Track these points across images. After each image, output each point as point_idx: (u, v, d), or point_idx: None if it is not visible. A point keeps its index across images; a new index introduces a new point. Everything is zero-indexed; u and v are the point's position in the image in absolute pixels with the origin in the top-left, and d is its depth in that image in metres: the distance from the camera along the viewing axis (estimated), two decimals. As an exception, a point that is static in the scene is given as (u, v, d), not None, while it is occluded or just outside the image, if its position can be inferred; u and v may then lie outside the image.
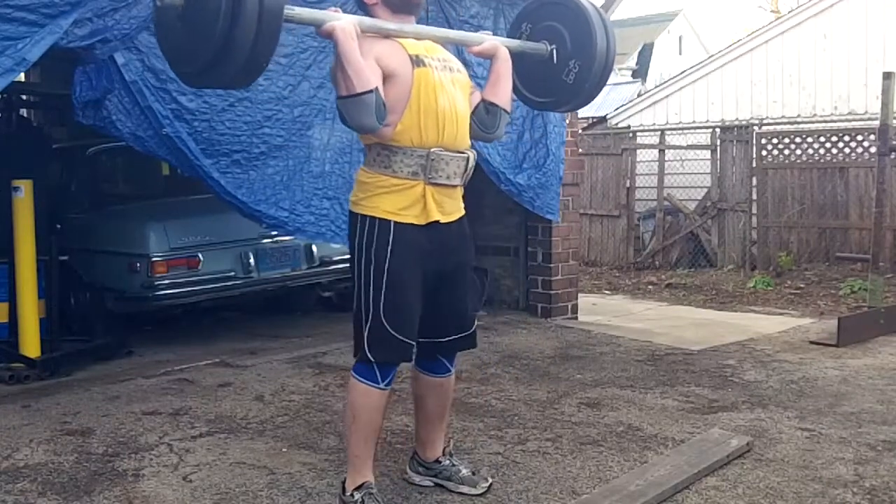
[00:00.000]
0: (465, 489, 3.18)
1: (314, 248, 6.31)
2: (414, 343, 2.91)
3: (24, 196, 5.06)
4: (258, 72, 2.71)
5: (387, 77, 2.79)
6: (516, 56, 3.32)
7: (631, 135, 11.94)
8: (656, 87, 13.80)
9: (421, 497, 3.15)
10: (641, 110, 12.78)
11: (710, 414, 4.19)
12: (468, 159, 2.97)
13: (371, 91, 2.70)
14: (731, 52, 11.98)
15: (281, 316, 7.07)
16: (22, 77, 6.42)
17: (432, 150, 2.86)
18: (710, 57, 12.85)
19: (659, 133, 11.54)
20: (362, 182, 2.94)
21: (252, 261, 6.08)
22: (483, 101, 3.12)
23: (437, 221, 2.90)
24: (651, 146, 11.47)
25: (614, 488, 3.16)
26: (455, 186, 2.97)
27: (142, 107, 4.37)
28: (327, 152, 5.11)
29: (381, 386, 2.89)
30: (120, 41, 4.19)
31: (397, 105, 2.82)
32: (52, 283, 5.44)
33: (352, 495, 2.93)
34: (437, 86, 2.88)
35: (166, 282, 5.74)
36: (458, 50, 5.73)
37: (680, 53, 28.57)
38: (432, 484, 3.24)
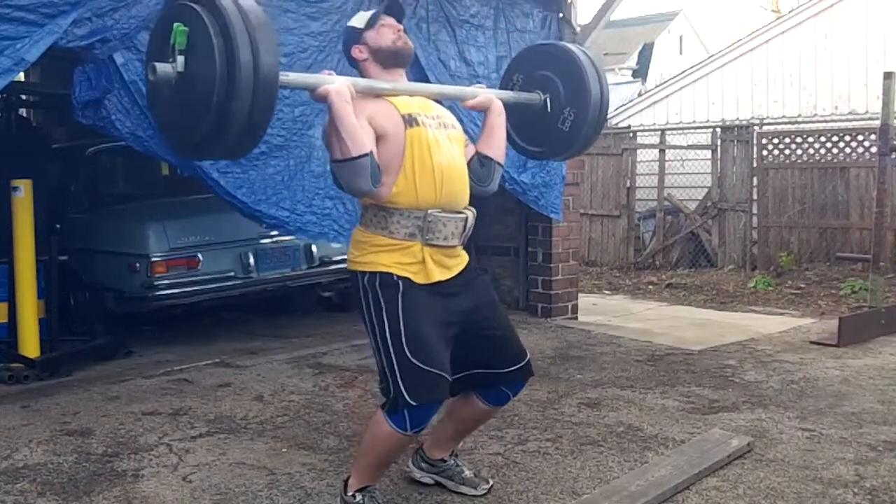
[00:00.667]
0: (465, 489, 3.17)
1: (314, 248, 6.30)
2: (448, 376, 2.79)
3: (23, 196, 5.06)
4: (255, 141, 2.69)
5: (379, 137, 2.75)
6: (510, 107, 3.30)
7: (631, 135, 11.94)
8: (656, 86, 13.80)
9: (421, 497, 3.15)
10: (642, 110, 12.78)
11: (711, 414, 4.19)
12: (467, 219, 2.90)
13: (366, 155, 2.66)
14: (731, 52, 11.99)
15: (281, 316, 7.07)
16: (22, 77, 6.43)
17: (429, 211, 2.80)
18: (710, 57, 12.85)
19: (659, 133, 11.54)
20: (358, 241, 2.89)
21: (252, 261, 6.08)
22: (477, 154, 3.07)
23: (438, 282, 2.84)
24: (651, 146, 11.46)
25: (615, 489, 3.16)
26: (454, 247, 2.90)
27: (141, 106, 4.36)
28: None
29: (409, 433, 2.79)
30: (119, 41, 4.19)
31: (391, 166, 2.77)
32: (51, 283, 5.44)
33: (353, 496, 2.91)
34: (433, 144, 2.82)
35: (166, 282, 5.74)
36: (459, 49, 5.78)
37: (680, 53, 28.56)
38: (432, 481, 3.24)
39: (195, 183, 5.10)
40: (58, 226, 5.99)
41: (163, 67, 2.59)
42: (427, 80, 5.39)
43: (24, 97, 7.59)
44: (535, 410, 4.26)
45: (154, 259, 5.69)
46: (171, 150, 3.16)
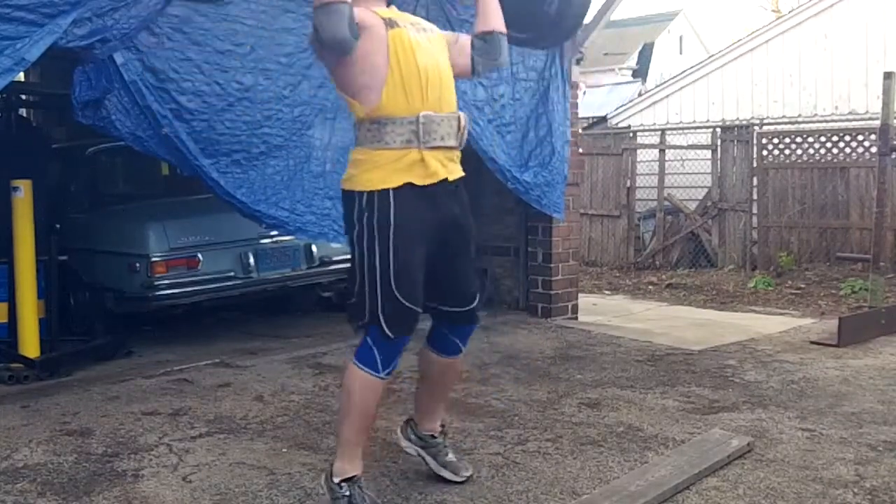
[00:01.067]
0: (445, 473, 3.20)
1: (314, 248, 6.30)
2: (420, 311, 2.85)
3: (23, 196, 5.06)
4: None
5: (360, 28, 2.77)
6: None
7: (631, 135, 11.94)
8: (656, 86, 13.80)
9: (421, 497, 3.15)
10: (642, 110, 12.78)
11: (711, 414, 4.19)
12: (459, 118, 2.93)
13: (345, 2, 2.69)
14: (731, 52, 11.99)
15: (281, 316, 7.07)
16: (22, 77, 6.43)
17: (421, 114, 2.83)
18: (710, 57, 12.85)
19: (659, 133, 11.54)
20: (356, 160, 2.91)
21: (252, 261, 6.08)
22: (479, 34, 3.10)
23: (444, 180, 2.87)
24: (651, 146, 11.47)
25: (615, 489, 3.16)
26: (452, 148, 2.93)
27: (141, 106, 4.37)
28: (328, 151, 5.10)
29: (382, 375, 2.86)
30: (119, 41, 4.19)
31: (377, 68, 2.80)
32: (51, 283, 5.44)
33: (340, 485, 2.90)
34: (415, 45, 2.86)
35: (166, 282, 5.74)
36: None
37: (680, 53, 28.56)
38: (415, 454, 3.26)
39: (195, 183, 5.10)
40: (58, 226, 5.99)
41: None
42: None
43: (24, 97, 7.59)
44: (535, 410, 4.26)
45: (154, 259, 5.69)
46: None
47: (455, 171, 2.96)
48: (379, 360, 2.83)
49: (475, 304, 3.11)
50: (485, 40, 3.09)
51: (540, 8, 3.46)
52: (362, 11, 2.84)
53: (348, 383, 2.91)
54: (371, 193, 2.83)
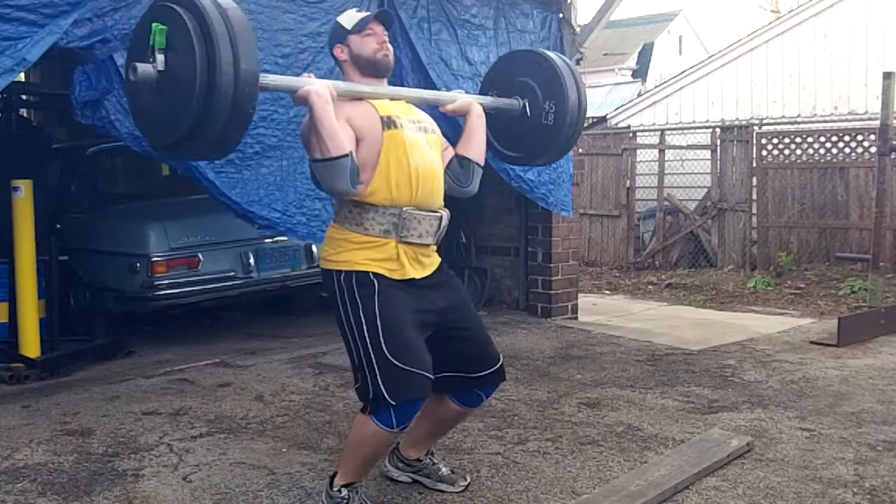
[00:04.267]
0: (443, 487, 3.20)
1: (314, 248, 6.30)
2: (430, 375, 2.78)
3: (24, 196, 5.06)
4: (232, 144, 2.69)
5: (358, 138, 2.79)
6: (492, 117, 3.33)
7: (631, 135, 11.94)
8: (656, 87, 13.80)
9: (420, 497, 3.15)
10: (641, 110, 12.78)
11: (711, 414, 4.19)
12: (441, 219, 2.94)
13: (346, 156, 2.69)
14: (731, 52, 11.99)
15: (281, 316, 7.07)
16: (22, 77, 6.42)
17: (405, 209, 2.83)
18: (710, 57, 12.85)
19: (659, 133, 11.54)
20: (333, 238, 2.91)
21: (252, 261, 6.08)
22: (457, 156, 3.10)
23: (413, 279, 2.86)
24: (651, 146, 11.47)
25: (614, 488, 3.16)
26: (428, 245, 2.93)
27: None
28: (321, 153, 5.10)
29: (395, 431, 2.81)
30: (119, 41, 4.19)
31: (367, 164, 2.80)
32: (52, 283, 5.44)
33: (339, 490, 2.91)
34: (410, 146, 2.85)
35: (166, 282, 5.74)
36: (461, 49, 5.78)
37: (680, 53, 28.59)
38: (410, 480, 3.26)
39: (195, 183, 5.10)
40: (58, 226, 6.00)
41: (144, 67, 2.58)
42: (429, 79, 5.41)
43: (24, 97, 7.59)
44: (535, 410, 4.26)
45: (154, 259, 5.69)
46: (151, 149, 3.19)
47: (428, 268, 2.94)
48: (394, 419, 2.77)
49: (501, 362, 3.09)
50: (462, 165, 3.09)
51: (538, 123, 3.46)
52: (361, 113, 2.83)
53: (360, 430, 2.84)
54: (350, 273, 2.83)
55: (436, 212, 2.93)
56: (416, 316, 2.83)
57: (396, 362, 2.72)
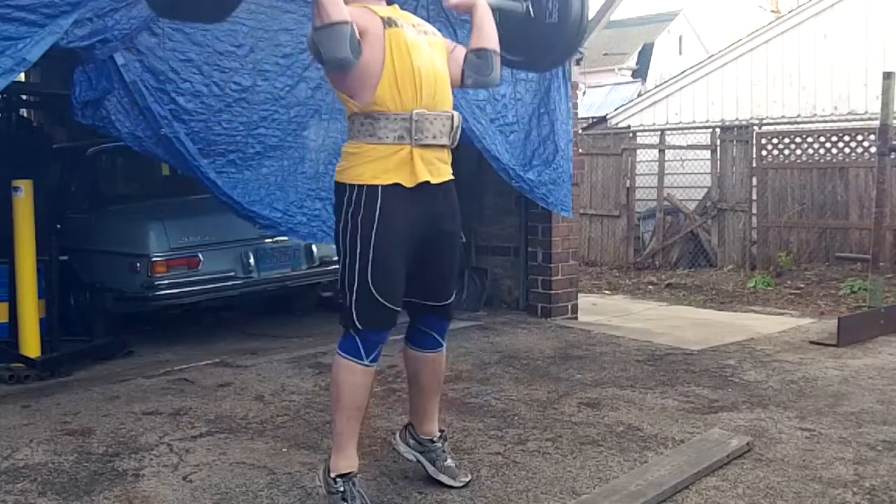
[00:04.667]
0: (443, 478, 3.21)
1: (314, 248, 6.31)
2: (398, 310, 2.92)
3: (24, 196, 5.06)
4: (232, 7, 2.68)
5: (360, 34, 2.80)
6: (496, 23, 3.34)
7: (631, 135, 11.95)
8: (656, 87, 13.80)
9: (421, 497, 3.15)
10: (641, 110, 12.79)
11: (710, 414, 4.19)
12: (452, 117, 2.97)
13: (346, 22, 2.71)
14: (731, 52, 12.00)
15: (281, 316, 7.07)
16: (22, 77, 6.43)
17: (415, 111, 2.87)
18: (710, 57, 12.86)
19: (659, 133, 11.55)
20: (348, 153, 2.95)
21: (252, 261, 6.08)
22: (472, 50, 3.15)
23: (426, 182, 2.91)
24: (651, 146, 11.47)
25: (614, 488, 3.16)
26: (443, 146, 2.98)
27: (140, 107, 4.37)
28: (322, 153, 5.11)
29: (366, 362, 2.91)
30: (120, 41, 4.20)
31: (372, 69, 2.83)
32: (52, 283, 5.44)
33: (335, 480, 2.94)
34: (412, 46, 2.89)
35: (166, 282, 5.74)
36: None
37: (680, 53, 28.60)
38: (413, 459, 3.27)
39: (195, 183, 5.10)
40: (58, 226, 6.00)
41: None
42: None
43: (24, 97, 7.60)
44: (535, 410, 4.26)
45: (154, 259, 5.69)
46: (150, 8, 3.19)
47: (442, 174, 3.00)
48: (361, 348, 2.89)
49: (451, 299, 3.18)
50: (479, 56, 3.14)
51: (542, 23, 3.48)
52: (361, 12, 2.86)
53: (335, 375, 2.96)
54: (360, 187, 2.87)
55: (446, 111, 2.96)
56: (407, 228, 2.89)
57: (375, 293, 2.84)
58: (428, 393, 3.27)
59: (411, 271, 2.99)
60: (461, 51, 3.16)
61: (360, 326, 2.87)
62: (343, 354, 2.93)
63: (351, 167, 2.92)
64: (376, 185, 2.86)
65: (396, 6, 3.06)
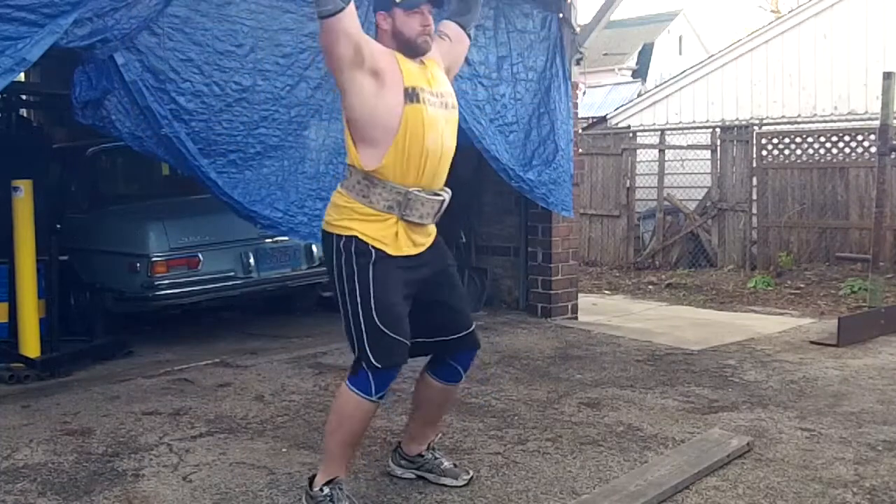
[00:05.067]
0: (446, 481, 3.22)
1: (314, 248, 6.30)
2: (408, 343, 2.92)
3: (24, 196, 5.06)
4: None
5: (373, 72, 2.82)
6: None
7: (631, 135, 11.94)
8: (656, 87, 13.80)
9: (421, 497, 3.15)
10: (641, 110, 12.78)
11: (711, 414, 4.19)
12: (443, 202, 3.00)
13: None
14: (731, 52, 11.99)
15: (281, 316, 7.07)
16: (22, 77, 6.43)
17: (411, 189, 2.90)
18: (710, 57, 12.85)
19: (659, 133, 11.54)
20: (338, 205, 2.97)
21: (252, 261, 6.08)
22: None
23: (406, 255, 2.94)
24: (651, 146, 11.47)
25: (614, 488, 3.16)
26: (426, 225, 3.00)
27: (141, 107, 4.37)
28: (322, 153, 5.11)
29: (374, 399, 2.90)
30: (120, 41, 4.19)
31: (383, 137, 2.84)
32: (52, 283, 5.44)
33: (321, 489, 2.93)
34: (428, 125, 2.89)
35: (166, 282, 5.74)
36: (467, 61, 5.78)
37: (680, 53, 28.59)
38: (414, 476, 3.28)
39: (195, 183, 5.10)
40: (58, 226, 5.99)
41: None
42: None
43: (24, 97, 7.60)
44: (535, 410, 4.26)
45: (154, 259, 5.69)
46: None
47: (422, 246, 3.02)
48: (373, 386, 2.88)
49: (473, 329, 3.16)
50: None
51: None
52: (387, 64, 2.85)
53: (340, 403, 2.95)
54: (350, 238, 2.90)
55: (439, 194, 2.99)
56: (403, 287, 2.93)
57: (383, 328, 2.85)
58: (431, 421, 3.30)
59: (422, 316, 3.00)
60: (446, 24, 3.21)
61: (378, 365, 2.85)
62: (352, 388, 2.91)
63: (340, 219, 2.94)
64: (366, 242, 2.89)
65: (429, 58, 3.02)
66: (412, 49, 2.95)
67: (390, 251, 2.91)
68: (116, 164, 7.22)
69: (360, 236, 2.89)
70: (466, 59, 5.76)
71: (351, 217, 2.92)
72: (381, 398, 2.93)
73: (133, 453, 3.64)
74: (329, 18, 2.74)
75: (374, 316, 2.85)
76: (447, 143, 3.00)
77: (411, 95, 2.86)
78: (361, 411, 2.91)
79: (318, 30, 5.08)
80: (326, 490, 2.92)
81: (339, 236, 2.92)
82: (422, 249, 3.01)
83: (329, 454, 2.98)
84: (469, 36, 3.30)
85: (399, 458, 3.32)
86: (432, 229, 3.08)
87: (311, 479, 2.99)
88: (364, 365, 2.87)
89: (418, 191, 2.91)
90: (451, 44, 3.19)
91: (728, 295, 8.72)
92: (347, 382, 2.93)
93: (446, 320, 3.09)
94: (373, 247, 2.88)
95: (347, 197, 2.94)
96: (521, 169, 6.04)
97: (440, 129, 2.94)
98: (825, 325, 6.62)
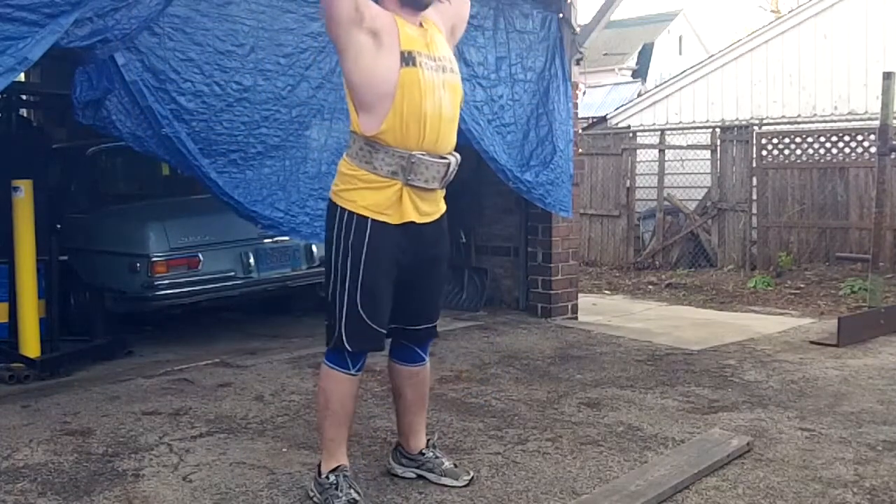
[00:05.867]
0: (447, 481, 3.22)
1: (314, 248, 6.31)
2: (385, 332, 2.98)
3: (24, 196, 5.06)
4: None
5: (372, 32, 2.82)
6: None
7: (631, 135, 11.95)
8: (656, 87, 13.80)
9: (421, 497, 3.15)
10: (641, 110, 12.79)
11: (710, 414, 4.19)
12: (449, 164, 2.98)
13: None
14: (731, 52, 12.00)
15: (281, 316, 7.07)
16: (22, 77, 6.44)
17: (413, 153, 2.89)
18: (710, 57, 12.86)
19: (659, 133, 11.55)
20: (343, 173, 2.98)
21: (252, 261, 6.08)
22: None
23: (412, 222, 2.95)
24: (651, 146, 11.47)
25: (614, 488, 3.16)
26: (433, 190, 2.99)
27: (141, 107, 4.37)
28: (324, 153, 5.11)
29: (353, 372, 2.99)
30: (120, 41, 4.19)
31: (381, 102, 2.84)
32: (52, 283, 5.44)
33: (327, 477, 2.99)
34: (426, 89, 2.88)
35: (166, 282, 5.74)
36: (458, 50, 5.79)
37: (680, 53, 28.60)
38: (415, 475, 3.28)
39: (195, 183, 5.10)
40: (58, 226, 5.99)
41: None
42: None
43: (24, 97, 7.60)
44: (535, 410, 4.26)
45: (154, 259, 5.69)
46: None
47: (431, 215, 3.03)
48: (349, 360, 2.98)
49: (435, 323, 3.22)
50: None
51: None
52: (385, 26, 2.84)
53: (323, 383, 3.04)
54: (351, 214, 2.92)
55: (444, 157, 2.97)
56: (393, 270, 2.95)
57: (363, 314, 2.90)
58: (414, 408, 3.30)
59: (398, 297, 3.03)
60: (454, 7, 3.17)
61: (350, 349, 2.94)
62: (330, 364, 3.01)
63: (345, 190, 2.95)
64: (366, 217, 2.90)
65: (429, 21, 3.01)
66: (416, 0, 2.95)
67: (393, 220, 2.91)
68: (116, 164, 7.21)
69: (362, 211, 2.90)
70: (465, 60, 5.79)
71: (355, 186, 2.92)
72: (358, 371, 3.01)
73: (133, 453, 3.64)
74: None
75: (358, 301, 2.90)
76: (448, 108, 2.98)
77: (407, 59, 2.86)
78: (344, 385, 2.99)
79: (319, 29, 5.14)
80: (332, 478, 2.98)
81: (343, 210, 2.93)
82: (428, 220, 2.99)
83: (325, 438, 3.04)
84: None
85: (400, 456, 3.32)
86: (441, 202, 3.07)
87: (319, 466, 3.06)
88: (338, 345, 2.94)
89: (422, 154, 2.89)
90: (452, 6, 3.16)
91: (728, 295, 8.72)
92: (325, 360, 3.03)
93: (418, 310, 3.13)
94: (373, 221, 2.89)
95: (351, 164, 2.94)
96: (518, 170, 6.05)
97: (438, 93, 2.92)
98: (825, 325, 6.62)
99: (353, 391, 3.04)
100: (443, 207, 3.10)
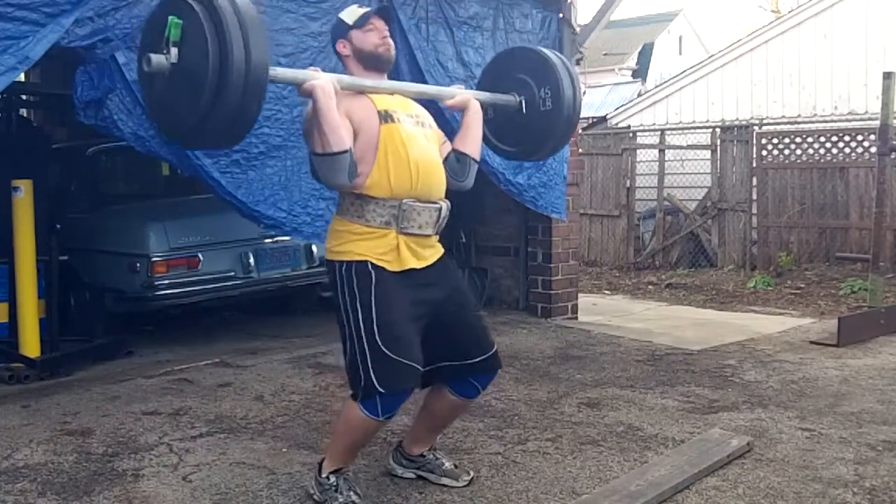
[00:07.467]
0: (447, 481, 3.22)
1: (314, 248, 6.31)
2: (419, 366, 2.87)
3: (24, 196, 5.07)
4: (242, 133, 2.78)
5: (355, 131, 2.86)
6: (490, 113, 3.45)
7: (631, 135, 11.95)
8: (656, 87, 13.80)
9: (421, 497, 3.16)
10: (641, 110, 12.78)
11: (711, 414, 4.19)
12: (440, 210, 3.00)
13: (346, 151, 2.78)
14: (731, 52, 11.99)
15: (281, 316, 7.07)
16: (22, 77, 6.42)
17: (404, 200, 2.90)
18: (710, 57, 12.85)
19: (659, 133, 11.54)
20: (336, 231, 2.99)
21: (252, 261, 6.08)
22: (454, 150, 3.18)
23: (411, 269, 2.94)
24: (651, 146, 11.47)
25: (614, 488, 3.16)
26: (428, 236, 3.00)
27: (143, 106, 4.36)
28: (325, 153, 5.11)
29: (381, 419, 2.89)
30: (121, 40, 4.20)
31: (365, 158, 2.87)
32: (52, 283, 5.44)
33: (328, 477, 3.00)
34: (408, 139, 2.92)
35: (166, 282, 5.74)
36: (457, 50, 5.78)
37: (680, 53, 28.62)
38: (414, 476, 3.28)
39: (195, 183, 5.10)
40: (58, 226, 5.99)
41: (157, 58, 2.67)
42: (424, 82, 5.39)
43: (24, 97, 7.59)
44: (535, 410, 4.26)
45: (154, 259, 5.69)
46: (165, 139, 3.23)
47: (429, 258, 3.02)
48: (380, 407, 2.85)
49: (495, 349, 3.13)
50: (458, 160, 3.17)
51: (536, 112, 3.52)
52: (358, 109, 2.90)
53: (347, 415, 2.94)
54: (350, 264, 2.90)
55: (435, 203, 2.99)
56: (411, 308, 2.91)
57: (388, 353, 2.81)
58: (438, 428, 3.32)
59: (438, 337, 2.98)
60: (447, 147, 3.19)
61: (381, 390, 2.80)
62: (360, 407, 2.87)
63: (340, 245, 2.95)
64: (366, 261, 2.88)
65: (399, 96, 3.08)
66: (377, 60, 3.04)
67: (393, 267, 2.90)
68: (117, 164, 7.22)
69: (360, 258, 2.88)
70: (463, 61, 5.79)
71: (350, 239, 2.92)
72: (387, 419, 2.91)
73: (133, 453, 3.64)
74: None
75: (377, 339, 2.81)
76: (433, 156, 3.02)
77: (385, 117, 2.92)
78: (366, 427, 2.92)
79: (318, 29, 5.14)
80: (333, 479, 2.98)
81: (341, 262, 2.92)
82: (427, 264, 2.99)
83: (334, 449, 3.03)
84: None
85: (400, 457, 3.32)
86: (437, 245, 3.08)
87: (321, 464, 3.05)
88: (370, 391, 2.82)
89: (413, 201, 2.91)
90: (441, 145, 3.17)
91: (728, 295, 8.72)
92: (358, 401, 2.88)
93: (470, 341, 3.06)
94: (373, 265, 2.87)
95: (344, 220, 2.96)
96: (510, 173, 6.04)
97: (422, 143, 2.98)
98: (825, 325, 6.63)
99: (375, 432, 3.01)
100: (441, 249, 3.09)
